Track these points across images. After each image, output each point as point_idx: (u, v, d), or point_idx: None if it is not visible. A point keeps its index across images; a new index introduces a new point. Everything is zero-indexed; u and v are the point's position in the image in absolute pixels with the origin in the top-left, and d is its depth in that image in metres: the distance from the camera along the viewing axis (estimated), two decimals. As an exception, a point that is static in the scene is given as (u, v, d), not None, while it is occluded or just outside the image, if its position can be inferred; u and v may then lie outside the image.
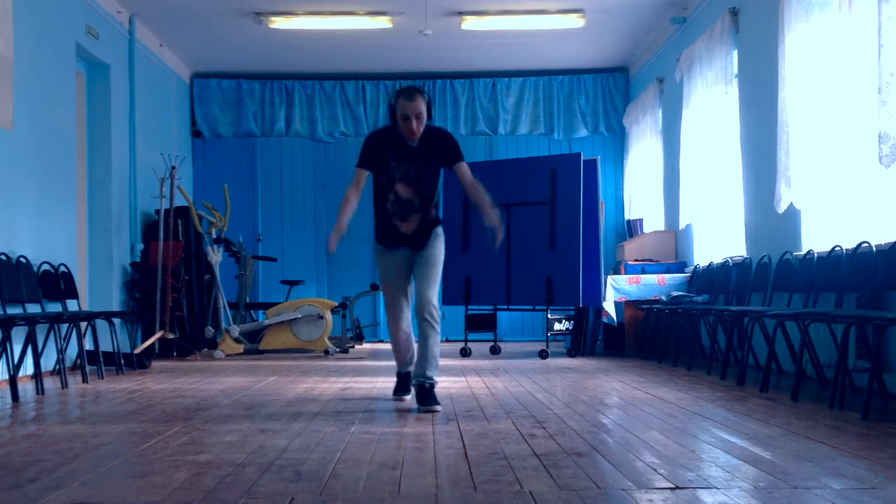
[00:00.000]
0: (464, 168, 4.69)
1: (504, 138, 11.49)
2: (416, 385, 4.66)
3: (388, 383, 5.95)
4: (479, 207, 4.66)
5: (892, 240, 4.90)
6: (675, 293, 8.02)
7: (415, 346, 4.84)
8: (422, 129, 4.57)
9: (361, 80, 11.30)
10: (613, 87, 11.49)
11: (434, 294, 4.67)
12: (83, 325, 6.71)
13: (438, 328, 4.66)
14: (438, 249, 4.74)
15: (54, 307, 6.88)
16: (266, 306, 9.67)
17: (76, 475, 2.95)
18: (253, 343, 9.15)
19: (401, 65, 10.93)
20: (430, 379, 4.63)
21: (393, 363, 5.13)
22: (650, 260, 9.23)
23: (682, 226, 8.89)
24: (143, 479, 2.88)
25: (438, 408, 4.50)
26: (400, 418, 4.28)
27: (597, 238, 8.29)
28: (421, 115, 4.53)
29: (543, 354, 8.14)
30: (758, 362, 6.46)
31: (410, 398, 4.91)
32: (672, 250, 9.36)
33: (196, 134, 11.35)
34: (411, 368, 4.86)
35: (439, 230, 4.80)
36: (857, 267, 5.16)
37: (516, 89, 11.43)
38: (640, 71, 10.92)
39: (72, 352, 7.04)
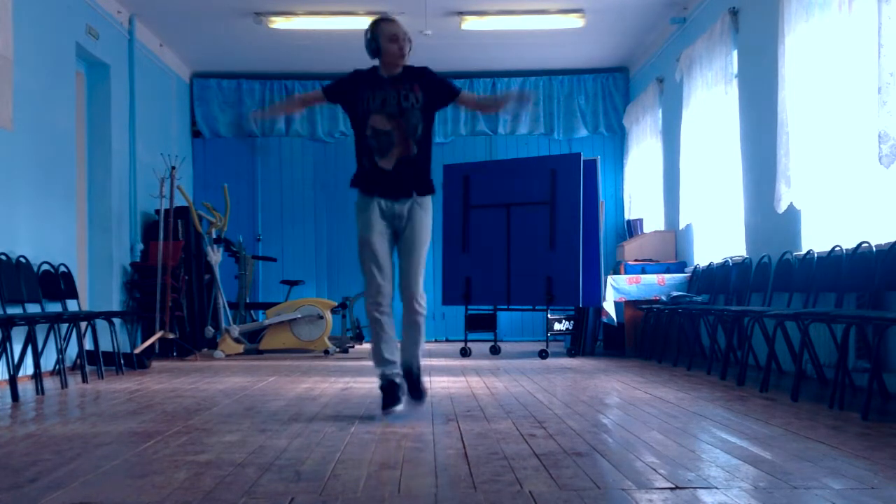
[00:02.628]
0: (465, 94, 4.50)
1: (504, 138, 11.49)
2: (403, 371, 4.38)
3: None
4: (496, 105, 4.48)
5: (892, 240, 4.90)
6: (675, 293, 8.02)
7: (397, 340, 4.44)
8: (406, 57, 4.41)
9: (361, 80, 11.29)
10: (613, 87, 11.49)
11: (422, 282, 4.36)
12: (83, 325, 6.71)
13: (425, 315, 4.40)
14: (425, 228, 4.38)
15: (54, 307, 6.88)
16: (266, 306, 9.67)
17: (76, 475, 2.95)
18: (253, 343, 9.15)
19: (401, 65, 10.91)
20: (418, 365, 4.41)
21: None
22: (650, 260, 9.23)
23: (682, 226, 8.89)
24: (143, 479, 2.88)
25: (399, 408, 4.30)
26: (400, 418, 4.27)
27: (597, 238, 8.29)
28: (406, 36, 4.39)
29: (543, 354, 8.14)
30: (758, 362, 6.46)
31: (403, 407, 4.38)
32: (672, 250, 9.36)
33: (196, 134, 11.35)
34: (397, 372, 4.39)
35: (427, 202, 4.41)
36: (857, 267, 5.16)
37: (516, 89, 11.42)
38: (640, 71, 10.92)
39: (72, 352, 7.04)
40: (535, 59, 10.90)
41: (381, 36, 4.38)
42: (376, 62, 4.48)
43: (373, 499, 2.58)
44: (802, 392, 4.97)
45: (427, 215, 4.43)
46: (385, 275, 4.37)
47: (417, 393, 4.44)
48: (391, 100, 4.36)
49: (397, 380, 4.38)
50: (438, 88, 4.46)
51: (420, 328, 4.40)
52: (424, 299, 4.41)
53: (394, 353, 4.42)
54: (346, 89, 4.48)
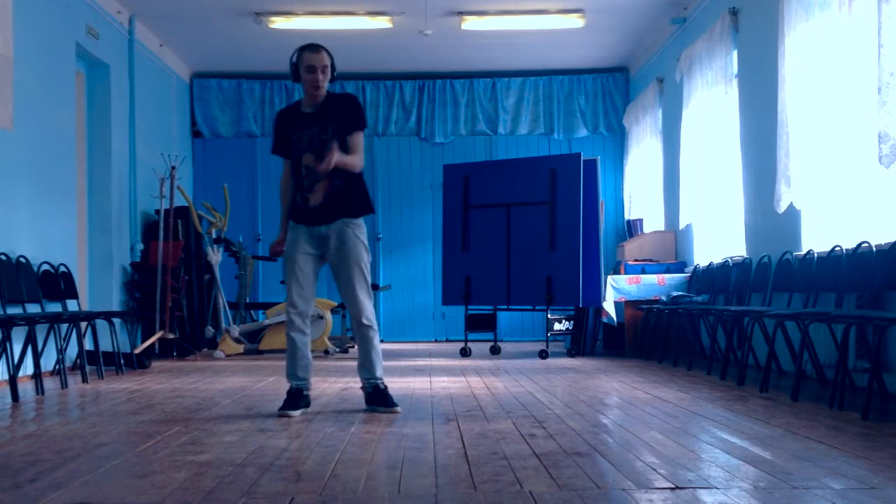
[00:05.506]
0: (355, 141, 4.42)
1: (504, 138, 11.48)
2: (369, 388, 4.52)
3: (389, 383, 5.94)
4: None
5: (892, 240, 4.90)
6: (675, 293, 8.02)
7: (310, 353, 4.56)
8: (326, 83, 4.44)
9: (361, 80, 11.29)
10: (613, 87, 11.49)
11: (367, 297, 4.47)
12: (83, 325, 6.71)
13: (377, 329, 4.56)
14: (356, 246, 4.43)
15: (54, 307, 6.87)
16: (266, 306, 9.67)
17: (76, 475, 2.95)
18: (253, 343, 9.15)
19: (401, 65, 10.93)
20: (381, 379, 4.54)
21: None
22: (650, 260, 9.23)
23: (682, 226, 8.88)
24: (143, 479, 2.88)
25: (398, 409, 4.46)
26: (400, 418, 4.28)
27: (597, 238, 8.29)
28: (326, 68, 4.42)
29: (543, 354, 8.13)
30: (758, 362, 6.46)
31: (298, 414, 4.38)
32: (672, 250, 9.36)
33: (196, 134, 11.35)
34: (306, 385, 4.51)
35: (358, 222, 4.47)
36: (857, 267, 5.16)
37: (516, 89, 11.43)
38: (640, 71, 10.92)
39: (72, 352, 7.04)
40: (535, 59, 10.90)
41: (301, 64, 4.43)
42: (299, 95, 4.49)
43: (373, 499, 2.58)
44: (802, 392, 4.97)
45: (359, 232, 4.47)
46: (305, 294, 4.46)
47: (390, 401, 4.52)
48: (315, 136, 4.42)
49: (304, 391, 4.51)
50: (351, 120, 4.46)
51: (371, 341, 4.51)
52: (372, 313, 4.51)
53: (306, 370, 4.51)
54: (281, 138, 4.52)
